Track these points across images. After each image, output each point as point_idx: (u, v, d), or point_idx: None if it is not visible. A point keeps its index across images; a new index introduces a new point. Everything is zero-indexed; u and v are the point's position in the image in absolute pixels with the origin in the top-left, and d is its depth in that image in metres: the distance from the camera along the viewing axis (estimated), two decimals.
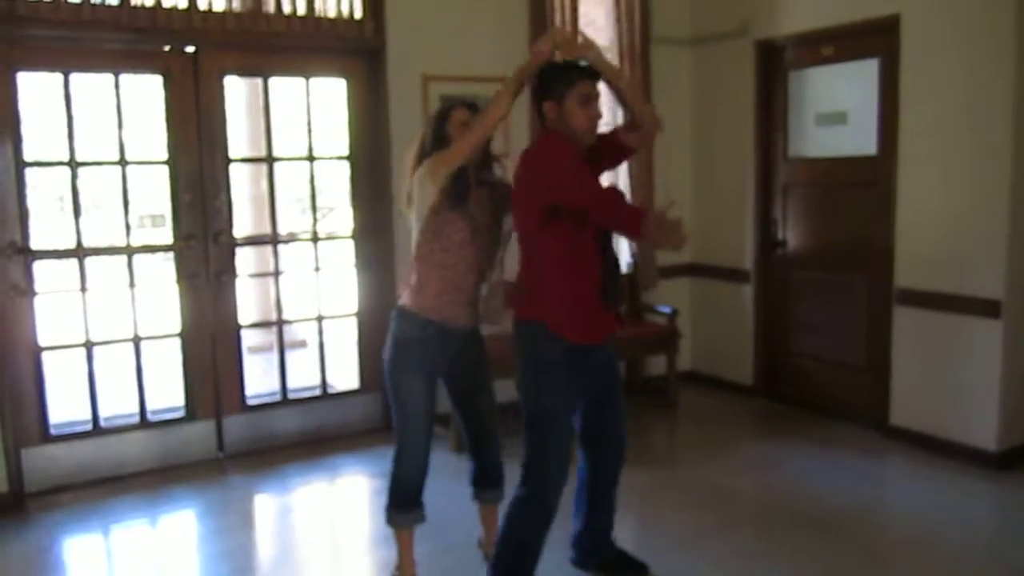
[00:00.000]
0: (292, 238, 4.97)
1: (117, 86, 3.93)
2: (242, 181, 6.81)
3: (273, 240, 4.53)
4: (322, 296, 4.59)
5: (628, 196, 5.06)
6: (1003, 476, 3.81)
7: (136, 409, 4.14)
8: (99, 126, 4.19)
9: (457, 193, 2.62)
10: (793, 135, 4.89)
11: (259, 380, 5.11)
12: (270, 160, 4.41)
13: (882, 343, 4.35)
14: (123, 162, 3.99)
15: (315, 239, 4.58)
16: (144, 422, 4.15)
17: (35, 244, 3.83)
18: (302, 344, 6.49)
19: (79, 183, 3.92)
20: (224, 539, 3.41)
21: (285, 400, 4.51)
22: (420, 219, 2.69)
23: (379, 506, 3.75)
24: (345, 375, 4.82)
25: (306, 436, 4.51)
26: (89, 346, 4.00)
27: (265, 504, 3.86)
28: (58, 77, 3.81)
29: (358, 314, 4.65)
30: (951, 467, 3.93)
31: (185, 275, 4.17)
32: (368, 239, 4.58)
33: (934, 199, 4.03)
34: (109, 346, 4.20)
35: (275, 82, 4.38)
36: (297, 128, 4.50)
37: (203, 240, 4.17)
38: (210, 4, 4.00)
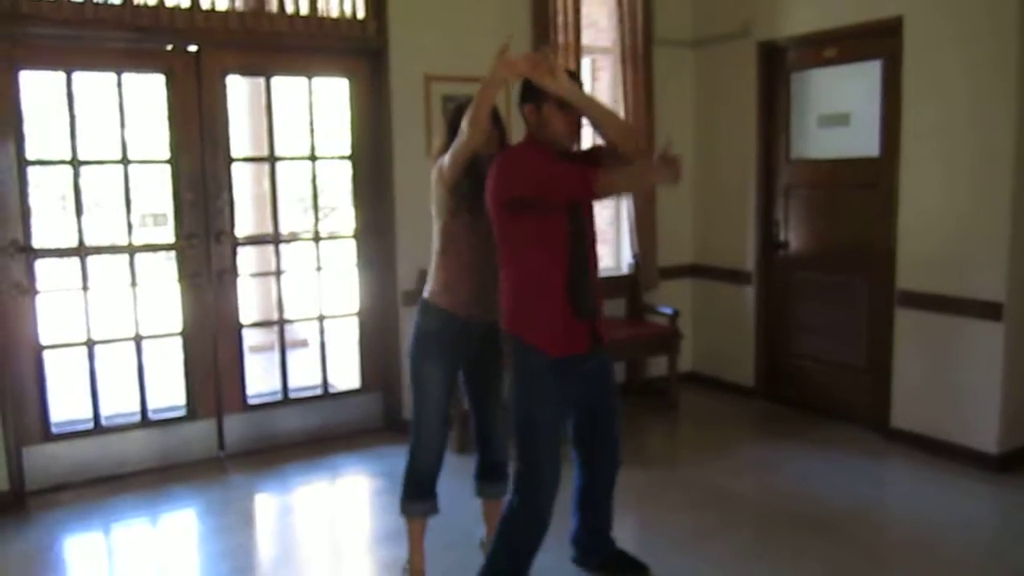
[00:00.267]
0: (294, 237, 4.97)
1: (119, 85, 3.93)
2: (244, 180, 6.83)
3: (275, 239, 4.53)
4: (324, 296, 4.59)
5: (628, 200, 5.10)
6: (1003, 478, 3.81)
7: (137, 408, 4.14)
8: (101, 125, 4.20)
9: (472, 194, 2.64)
10: (795, 136, 4.88)
11: (260, 379, 5.12)
12: (272, 159, 4.42)
13: (883, 345, 4.35)
14: (125, 161, 3.99)
15: (317, 238, 4.58)
16: (145, 421, 4.15)
17: (37, 243, 3.83)
18: (303, 344, 6.50)
19: (81, 182, 3.92)
20: (225, 538, 3.42)
21: (286, 400, 4.51)
22: (439, 217, 2.76)
23: (380, 505, 3.78)
24: (346, 375, 4.82)
25: (307, 436, 4.51)
26: (90, 345, 4.00)
27: (266, 503, 3.86)
28: (60, 76, 3.82)
29: (359, 314, 4.65)
30: (952, 469, 3.93)
31: (187, 274, 4.17)
32: (370, 239, 4.58)
33: (936, 201, 4.03)
34: (110, 345, 4.20)
35: (277, 81, 4.38)
36: (299, 128, 4.50)
37: (205, 239, 4.17)
38: (213, 3, 4.00)
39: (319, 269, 4.56)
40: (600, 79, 5.38)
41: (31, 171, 3.81)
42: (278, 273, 4.52)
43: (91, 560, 3.34)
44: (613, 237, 5.43)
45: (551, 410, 2.55)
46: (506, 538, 2.61)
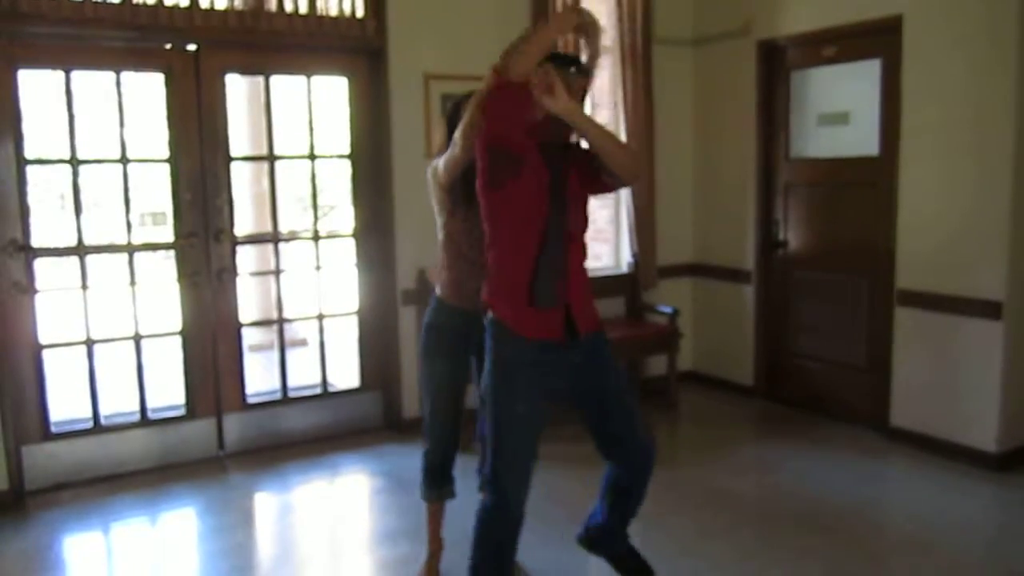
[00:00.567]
0: (293, 236, 4.97)
1: (119, 84, 3.93)
2: (243, 179, 6.82)
3: (274, 238, 4.52)
4: (323, 294, 4.59)
5: (628, 199, 5.09)
6: (1003, 477, 3.81)
7: (137, 407, 4.14)
8: (100, 124, 4.19)
9: (467, 192, 2.65)
10: (795, 135, 4.88)
11: (260, 378, 5.11)
12: (271, 158, 4.41)
13: (883, 344, 4.35)
14: (124, 160, 3.99)
15: (316, 237, 4.58)
16: (145, 420, 4.15)
17: (36, 242, 3.83)
18: (303, 343, 6.50)
19: (80, 181, 3.92)
20: (224, 537, 3.41)
21: (286, 398, 4.51)
22: (439, 215, 2.79)
23: (379, 504, 3.79)
24: (346, 374, 4.82)
25: (307, 435, 4.51)
26: (90, 344, 4.00)
27: (265, 502, 3.86)
28: (59, 75, 3.81)
29: (359, 312, 4.65)
30: (951, 468, 3.93)
31: (186, 273, 4.17)
32: (369, 238, 4.58)
33: (935, 200, 4.03)
34: (110, 344, 4.20)
35: (276, 80, 4.38)
36: (298, 126, 4.50)
37: (204, 238, 4.17)
38: (212, 2, 4.00)
39: (318, 268, 4.55)
40: (599, 78, 5.38)
41: (30, 170, 3.80)
42: (277, 272, 4.51)
43: (90, 559, 3.34)
44: (612, 236, 5.42)
45: (523, 398, 2.40)
46: (480, 537, 2.50)
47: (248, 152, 6.34)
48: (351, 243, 4.61)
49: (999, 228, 3.77)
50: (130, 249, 4.10)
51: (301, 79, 4.39)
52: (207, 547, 3.37)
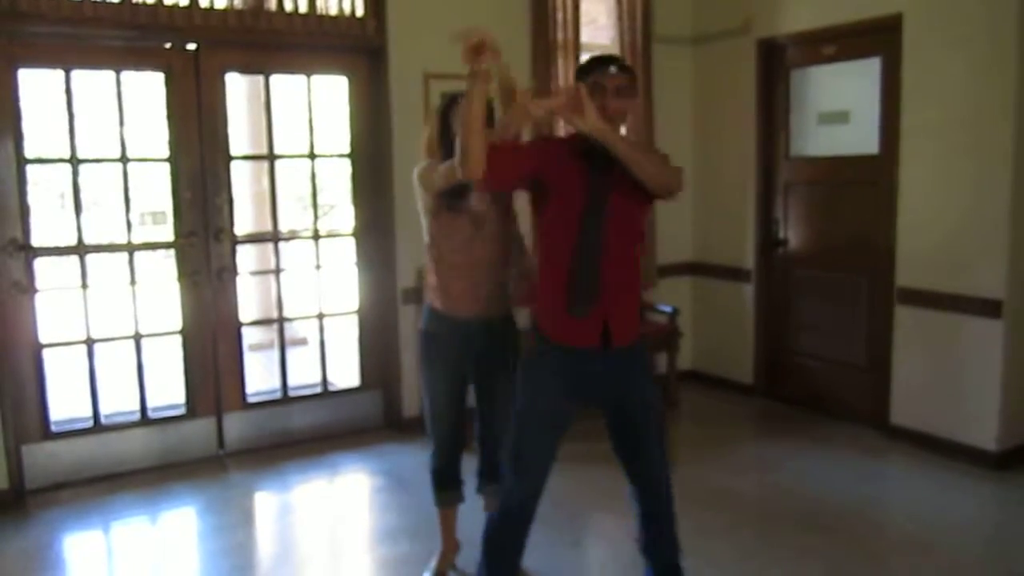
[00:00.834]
0: (293, 236, 4.97)
1: (118, 83, 3.92)
2: (243, 178, 6.81)
3: (274, 237, 4.52)
4: (323, 294, 4.59)
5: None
6: (1003, 476, 3.81)
7: (137, 406, 4.14)
8: (100, 123, 4.19)
9: (452, 195, 2.63)
10: (795, 134, 4.88)
11: (260, 377, 5.11)
12: (271, 157, 4.41)
13: (883, 342, 4.35)
14: (124, 159, 3.99)
15: (316, 237, 4.58)
16: (145, 419, 4.15)
17: (36, 241, 3.83)
18: (303, 342, 6.49)
19: (80, 180, 3.92)
20: (224, 536, 3.42)
21: (286, 398, 4.51)
22: (424, 217, 2.76)
23: (379, 503, 3.80)
24: (346, 373, 4.82)
25: (307, 434, 4.51)
26: (90, 343, 4.00)
27: (265, 502, 3.86)
28: (59, 74, 3.81)
29: (359, 312, 4.65)
30: (951, 467, 3.93)
31: (186, 272, 4.17)
32: (369, 237, 4.58)
33: (935, 198, 4.03)
34: (110, 343, 4.20)
35: (276, 79, 4.38)
36: (298, 126, 4.50)
37: (204, 237, 4.17)
38: (211, 1, 4.00)
39: (318, 267, 4.55)
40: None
41: (30, 169, 3.80)
42: (277, 271, 4.51)
43: (90, 558, 3.34)
44: None
45: (543, 400, 2.44)
46: (486, 533, 2.55)
47: (248, 151, 6.34)
48: (351, 242, 4.61)
49: (999, 226, 3.77)
50: (130, 248, 4.10)
51: (301, 78, 4.39)
52: (207, 546, 3.37)
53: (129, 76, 3.98)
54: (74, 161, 3.88)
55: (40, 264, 3.86)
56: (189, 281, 4.17)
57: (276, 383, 4.54)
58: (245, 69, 4.40)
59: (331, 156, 4.64)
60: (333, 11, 4.26)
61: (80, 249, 3.95)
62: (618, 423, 2.54)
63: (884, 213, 4.28)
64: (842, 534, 3.29)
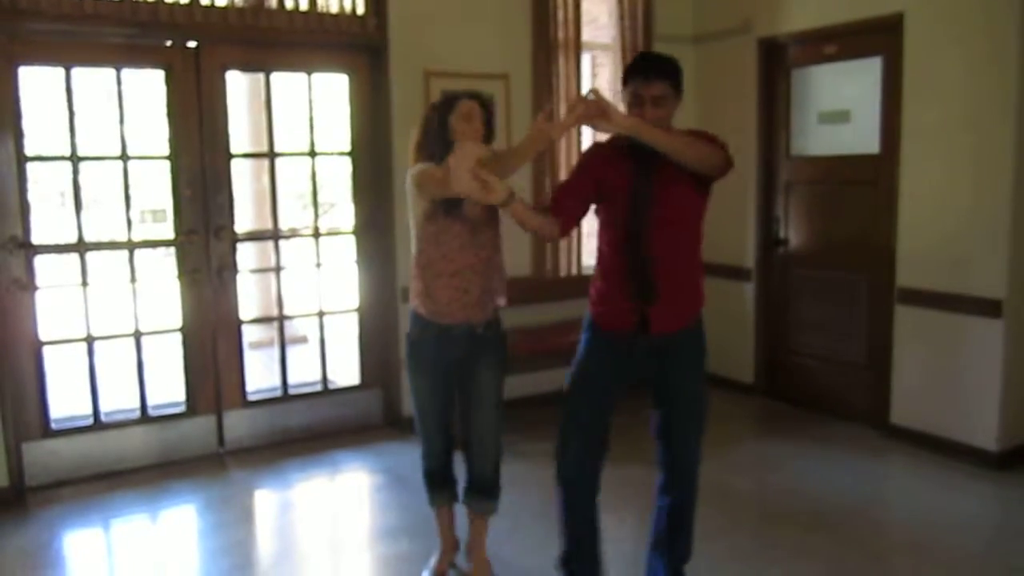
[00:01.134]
0: (293, 234, 4.96)
1: (119, 81, 3.92)
2: (243, 176, 6.82)
3: (274, 236, 4.52)
4: (323, 292, 4.59)
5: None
6: (1003, 476, 3.81)
7: (137, 404, 4.14)
8: (100, 121, 4.19)
9: (449, 200, 2.60)
10: (795, 133, 4.88)
11: (260, 375, 5.11)
12: (272, 155, 4.41)
13: (883, 342, 4.35)
14: (124, 157, 3.99)
15: (316, 235, 4.58)
16: (145, 417, 4.15)
17: (36, 239, 3.83)
18: (303, 340, 6.49)
19: (80, 178, 3.91)
20: (224, 535, 3.42)
21: (286, 396, 4.51)
22: (415, 220, 2.72)
23: (379, 501, 3.80)
24: (346, 371, 4.82)
25: (307, 432, 4.51)
26: (90, 341, 4.00)
27: (265, 500, 3.86)
28: (59, 72, 3.81)
29: (359, 310, 4.65)
30: (951, 466, 3.93)
31: (186, 270, 4.17)
32: (369, 235, 4.58)
33: (936, 198, 4.03)
34: (110, 341, 4.20)
35: (277, 77, 4.37)
36: (299, 124, 4.50)
37: (204, 235, 4.17)
38: None
39: (319, 265, 4.55)
40: (600, 76, 5.38)
41: (30, 167, 3.80)
42: (278, 269, 4.51)
43: (90, 556, 3.34)
44: None
45: (588, 376, 2.60)
46: (559, 510, 2.65)
47: (248, 149, 6.35)
48: (351, 240, 4.61)
49: (999, 226, 3.77)
50: (130, 246, 4.09)
51: (302, 76, 4.38)
52: (207, 544, 3.37)
53: (129, 74, 3.97)
54: (74, 159, 3.87)
55: (40, 262, 3.86)
56: (189, 279, 4.17)
57: (276, 381, 4.54)
58: (246, 67, 4.39)
59: (331, 154, 4.64)
60: (334, 9, 4.25)
61: (80, 247, 3.95)
62: (660, 407, 2.64)
63: (884, 212, 4.28)
64: (842, 533, 3.30)
